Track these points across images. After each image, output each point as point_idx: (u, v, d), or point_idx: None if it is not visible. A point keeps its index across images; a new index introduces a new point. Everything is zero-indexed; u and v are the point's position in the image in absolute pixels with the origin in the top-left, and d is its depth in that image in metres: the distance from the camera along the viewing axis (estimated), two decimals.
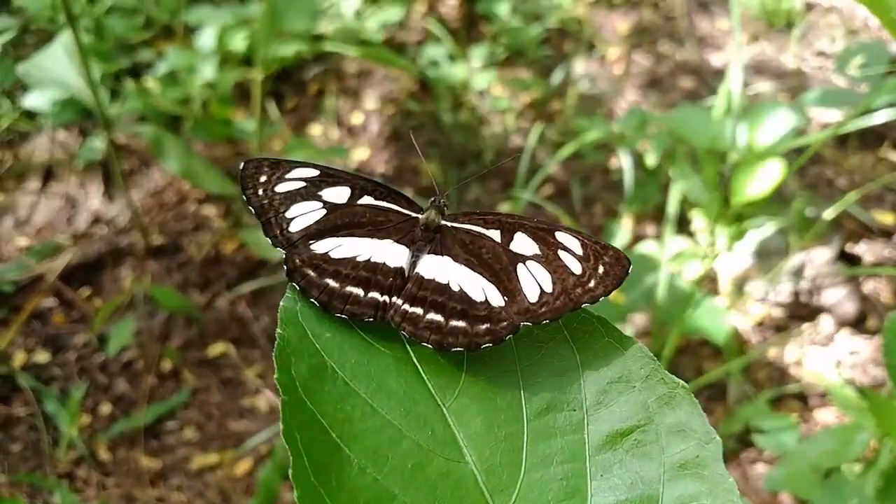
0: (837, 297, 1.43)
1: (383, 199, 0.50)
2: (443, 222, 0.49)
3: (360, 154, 1.74)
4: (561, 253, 0.45)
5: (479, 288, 0.45)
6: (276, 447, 1.27)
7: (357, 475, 0.36)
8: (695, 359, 1.38)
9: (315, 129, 1.78)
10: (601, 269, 0.44)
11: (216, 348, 1.43)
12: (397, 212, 0.49)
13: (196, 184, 1.48)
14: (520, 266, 0.45)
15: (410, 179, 1.69)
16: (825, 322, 1.44)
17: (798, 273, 1.43)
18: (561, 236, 0.46)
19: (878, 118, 1.26)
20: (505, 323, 0.43)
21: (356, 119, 1.82)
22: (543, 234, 0.46)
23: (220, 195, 1.57)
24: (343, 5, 1.79)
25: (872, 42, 1.71)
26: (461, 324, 0.43)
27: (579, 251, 0.45)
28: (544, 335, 0.43)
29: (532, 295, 0.44)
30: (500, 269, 0.45)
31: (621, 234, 1.47)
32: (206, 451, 1.31)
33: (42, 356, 1.41)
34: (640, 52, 2.01)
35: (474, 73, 1.81)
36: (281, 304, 0.42)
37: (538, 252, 0.45)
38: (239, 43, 1.66)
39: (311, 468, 0.35)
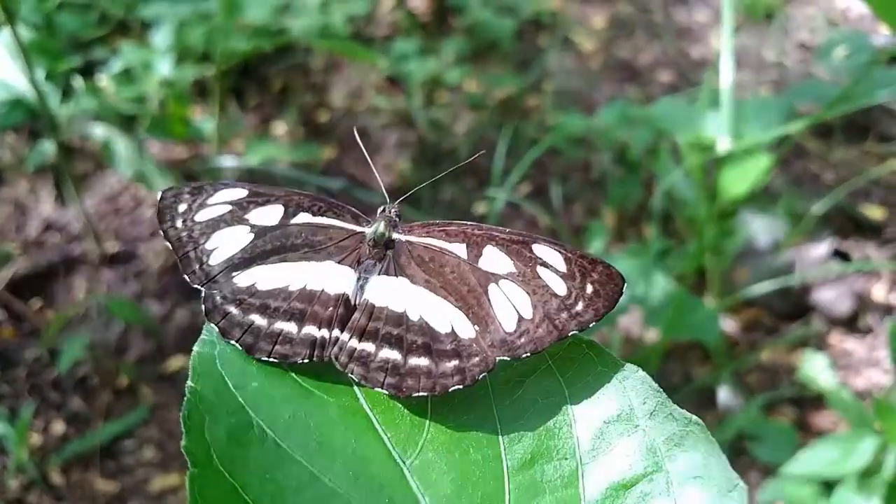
0: (829, 295, 1.38)
1: (323, 215, 0.42)
2: (395, 236, 0.41)
3: (327, 153, 1.67)
4: (540, 270, 0.38)
5: (443, 316, 0.37)
6: None
7: None
8: (682, 363, 1.32)
9: (279, 128, 1.71)
10: (590, 289, 0.37)
11: (176, 362, 1.36)
12: (340, 228, 0.42)
13: (150, 188, 1.40)
14: (491, 287, 0.38)
15: (381, 179, 1.62)
16: (817, 322, 1.38)
17: (788, 271, 1.38)
18: (539, 249, 0.38)
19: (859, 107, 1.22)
20: (477, 359, 0.35)
21: (322, 116, 1.75)
22: (518, 248, 0.39)
23: None
24: None
25: (854, 32, 1.67)
26: (423, 362, 0.35)
27: (562, 267, 0.38)
28: (524, 367, 0.36)
29: (508, 323, 0.36)
30: (468, 291, 0.38)
31: (604, 233, 1.42)
32: (167, 472, 1.24)
33: None
34: (617, 46, 1.95)
35: (446, 67, 1.74)
36: (194, 349, 0.34)
37: (513, 269, 0.38)
38: (197, 38, 1.59)
39: None
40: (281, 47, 1.75)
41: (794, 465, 1.01)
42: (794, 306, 1.40)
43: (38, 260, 1.47)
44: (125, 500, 1.21)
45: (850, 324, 1.39)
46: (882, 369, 1.33)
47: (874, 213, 1.53)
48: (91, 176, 1.60)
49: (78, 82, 1.52)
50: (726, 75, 1.25)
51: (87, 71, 1.65)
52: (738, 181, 1.26)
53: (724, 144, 1.28)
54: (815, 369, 1.32)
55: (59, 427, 1.29)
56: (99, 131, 1.42)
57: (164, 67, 1.54)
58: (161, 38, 1.58)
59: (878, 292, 1.43)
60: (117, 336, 1.39)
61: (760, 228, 1.41)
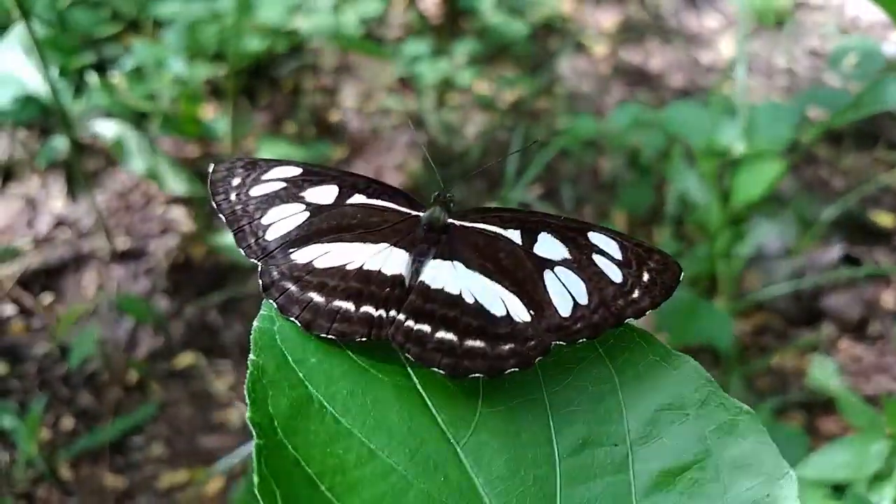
0: (839, 301, 1.38)
1: (377, 197, 0.42)
2: (450, 221, 0.42)
3: (338, 153, 1.67)
4: (596, 257, 0.37)
5: (498, 300, 0.37)
6: (249, 465, 1.20)
7: None
8: None
9: (290, 128, 1.71)
10: (646, 277, 0.37)
11: (185, 359, 1.36)
12: (395, 210, 0.42)
13: (162, 185, 1.40)
14: (547, 273, 0.37)
15: (392, 180, 1.63)
16: (827, 327, 1.39)
17: (798, 276, 1.38)
18: (595, 237, 0.38)
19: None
20: (533, 342, 0.35)
21: (334, 117, 1.75)
22: (574, 235, 0.38)
23: (189, 197, 1.50)
24: None
25: (866, 40, 1.67)
26: (479, 344, 0.35)
27: (618, 255, 0.37)
28: (575, 354, 0.36)
29: (564, 308, 0.36)
30: (524, 276, 0.38)
31: None
32: (176, 469, 1.24)
33: None
34: (627, 50, 1.96)
35: (457, 69, 1.74)
36: (255, 324, 0.34)
37: (568, 256, 0.38)
38: (210, 37, 1.59)
39: None
40: (293, 47, 1.76)
41: (805, 469, 1.01)
42: (804, 311, 1.40)
43: (49, 256, 1.47)
44: (133, 495, 1.21)
45: (860, 330, 1.39)
46: (891, 375, 1.33)
47: (884, 219, 1.54)
48: (102, 172, 1.60)
49: (92, 79, 1.52)
50: (740, 81, 1.26)
51: (100, 68, 1.65)
52: (750, 186, 1.26)
53: (737, 149, 1.28)
54: (825, 374, 1.32)
55: (68, 422, 1.28)
56: (111, 128, 1.42)
57: (177, 66, 1.54)
58: (173, 36, 1.58)
59: (888, 299, 1.43)
60: (127, 332, 1.38)
61: (771, 233, 1.41)
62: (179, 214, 1.55)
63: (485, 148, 1.68)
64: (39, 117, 1.56)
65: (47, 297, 1.42)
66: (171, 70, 1.54)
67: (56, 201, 1.55)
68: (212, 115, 1.66)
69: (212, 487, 1.21)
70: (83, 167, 1.50)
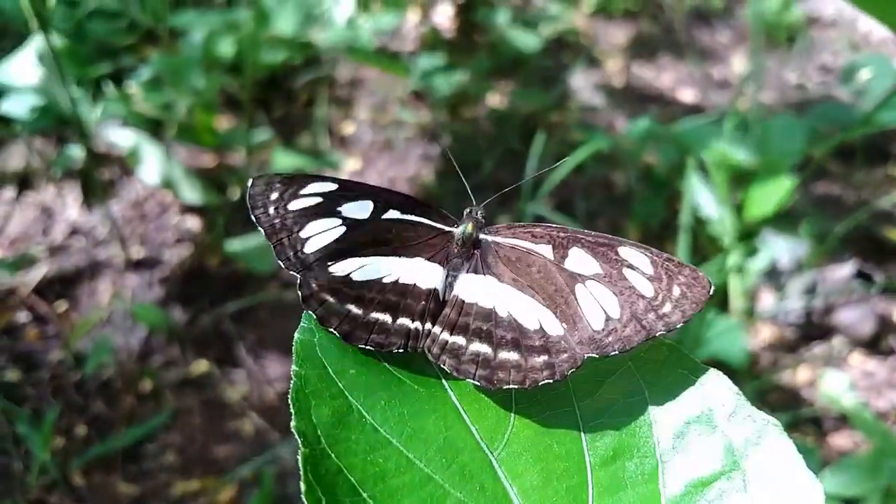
0: (851, 316, 1.38)
1: (411, 213, 0.43)
2: (482, 236, 0.43)
3: (352, 165, 1.68)
4: (626, 272, 0.38)
5: (531, 313, 0.38)
6: (263, 475, 1.20)
7: None
8: None
9: (304, 139, 1.72)
10: (676, 291, 0.37)
11: (198, 367, 1.36)
12: (428, 226, 0.43)
13: (177, 194, 1.41)
14: (578, 287, 0.39)
15: (405, 191, 1.63)
16: (838, 342, 1.38)
17: (811, 291, 1.38)
18: (625, 252, 0.39)
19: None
20: (566, 355, 0.36)
21: (348, 129, 1.76)
22: (604, 250, 0.39)
23: (204, 206, 1.51)
24: (335, 12, 1.74)
25: (877, 56, 1.68)
26: (513, 356, 0.36)
27: (649, 270, 0.38)
28: (605, 367, 0.36)
29: (596, 321, 0.37)
30: (555, 290, 0.39)
31: None
32: (188, 477, 1.24)
33: (13, 374, 1.33)
34: (639, 64, 1.96)
35: (471, 83, 1.75)
36: (296, 335, 0.35)
37: (600, 271, 0.39)
38: (226, 48, 1.60)
39: None
40: (308, 60, 1.77)
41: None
42: (816, 327, 1.40)
43: (64, 264, 1.48)
44: (146, 503, 1.21)
45: (872, 345, 1.39)
46: None
47: None
48: (118, 181, 1.61)
49: (108, 89, 1.54)
50: (752, 96, 1.26)
51: (116, 78, 1.67)
52: (762, 201, 1.27)
53: (749, 164, 1.28)
54: (837, 390, 1.32)
55: (81, 430, 1.29)
56: (127, 137, 1.43)
57: (193, 77, 1.55)
58: (190, 47, 1.59)
59: None
60: (141, 341, 1.39)
61: (783, 248, 1.41)
62: (194, 224, 1.55)
63: (497, 160, 1.68)
64: (56, 126, 1.57)
65: (62, 305, 1.43)
66: (187, 81, 1.55)
67: (71, 210, 1.55)
68: (227, 125, 1.67)
69: (224, 496, 1.21)
70: (99, 176, 1.52)
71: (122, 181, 1.61)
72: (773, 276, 1.42)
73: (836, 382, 1.34)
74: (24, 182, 1.59)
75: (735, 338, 1.23)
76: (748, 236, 1.37)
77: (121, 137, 1.45)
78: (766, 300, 1.41)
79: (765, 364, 1.37)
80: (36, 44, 1.37)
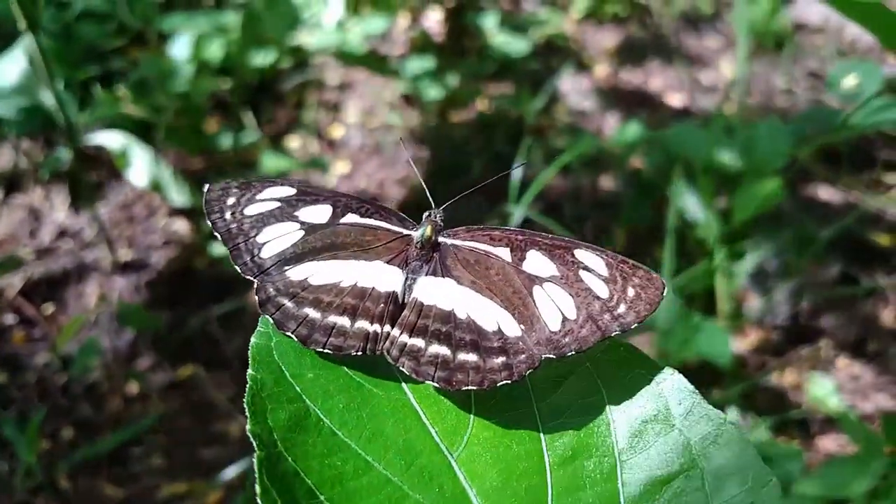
0: (838, 319, 1.38)
1: (370, 217, 0.44)
2: (441, 239, 0.43)
3: (340, 168, 1.68)
4: (583, 273, 0.39)
5: (490, 315, 0.38)
6: (249, 477, 1.20)
7: None
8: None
9: (293, 142, 1.72)
10: (631, 293, 0.38)
11: (185, 370, 1.36)
12: (387, 229, 0.43)
13: (165, 196, 1.41)
14: (536, 289, 0.39)
15: (395, 195, 1.63)
16: (825, 346, 1.39)
17: (797, 294, 1.38)
18: (581, 254, 0.40)
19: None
20: (523, 356, 0.36)
21: (337, 132, 1.76)
22: (561, 252, 0.40)
23: (192, 209, 1.51)
24: (325, 15, 1.74)
25: (865, 62, 1.68)
26: (472, 357, 0.36)
27: (604, 272, 0.39)
28: (563, 368, 0.37)
29: (553, 323, 0.37)
30: (513, 292, 0.39)
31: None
32: (175, 480, 1.24)
33: None
34: (628, 69, 1.97)
35: (460, 86, 1.75)
36: (252, 340, 0.36)
37: (557, 273, 0.39)
38: (215, 52, 1.60)
39: None
40: (297, 63, 1.77)
41: (804, 486, 1.01)
42: (802, 329, 1.40)
43: (51, 266, 1.47)
44: None
45: (858, 348, 1.39)
46: (889, 394, 1.33)
47: (882, 239, 1.54)
48: (105, 184, 1.61)
49: (97, 91, 1.54)
50: (741, 97, 1.27)
51: (105, 80, 1.67)
52: (749, 204, 1.27)
53: (735, 168, 1.29)
54: (823, 392, 1.32)
55: (68, 432, 1.28)
56: (115, 140, 1.43)
57: (182, 80, 1.55)
58: (179, 50, 1.59)
59: (887, 317, 1.43)
60: (128, 343, 1.39)
61: (770, 252, 1.42)
62: (182, 226, 1.55)
63: (486, 163, 1.69)
64: (44, 128, 1.57)
65: (49, 308, 1.43)
66: (175, 84, 1.55)
67: (59, 212, 1.55)
68: (216, 128, 1.67)
69: (211, 499, 1.21)
70: (86, 178, 1.51)
71: (110, 183, 1.61)
72: (760, 279, 1.42)
73: (823, 385, 1.34)
74: (12, 184, 1.59)
75: (722, 340, 1.23)
76: (735, 239, 1.38)
77: (109, 140, 1.45)
78: (753, 303, 1.42)
79: (752, 367, 1.38)
80: (24, 45, 1.37)
